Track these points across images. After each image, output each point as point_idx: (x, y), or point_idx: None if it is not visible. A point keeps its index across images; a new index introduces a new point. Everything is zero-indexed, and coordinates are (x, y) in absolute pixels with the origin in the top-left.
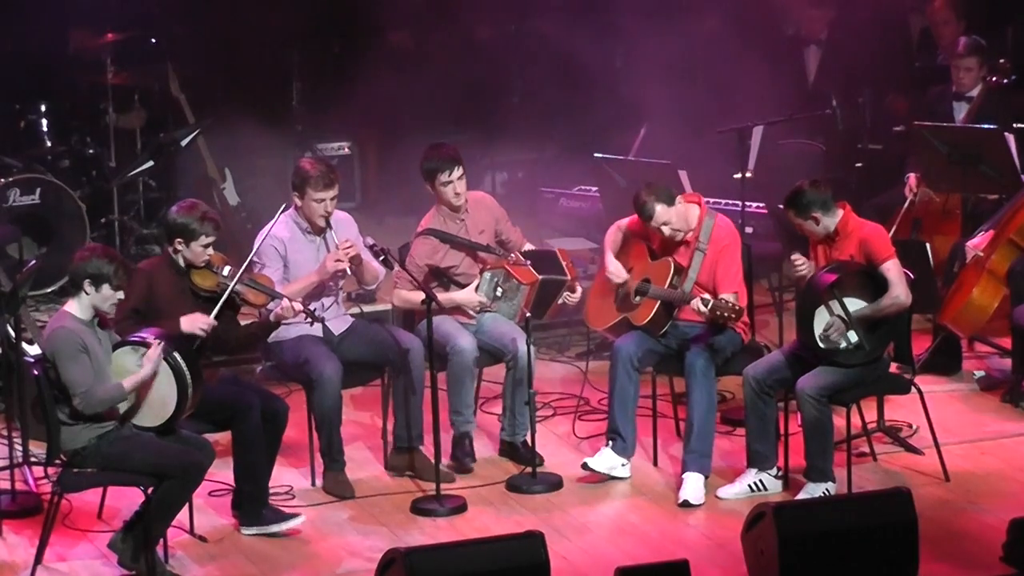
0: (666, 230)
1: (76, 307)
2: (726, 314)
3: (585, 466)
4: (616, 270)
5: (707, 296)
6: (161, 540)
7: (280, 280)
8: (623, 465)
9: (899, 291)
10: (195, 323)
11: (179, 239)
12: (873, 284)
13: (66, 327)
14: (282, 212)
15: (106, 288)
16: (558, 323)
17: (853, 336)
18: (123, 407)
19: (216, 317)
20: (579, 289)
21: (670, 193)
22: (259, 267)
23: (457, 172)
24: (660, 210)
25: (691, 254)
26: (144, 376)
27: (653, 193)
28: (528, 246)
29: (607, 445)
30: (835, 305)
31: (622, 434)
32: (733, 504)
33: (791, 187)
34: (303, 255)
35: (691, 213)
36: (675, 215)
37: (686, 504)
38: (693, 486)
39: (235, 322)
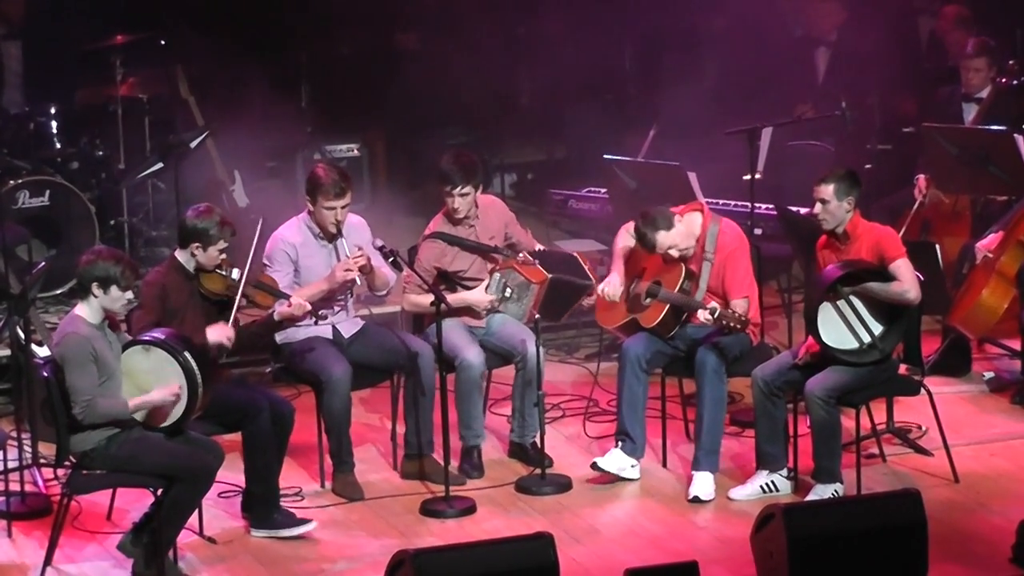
0: (675, 252)
1: (86, 311)
2: (732, 324)
3: (595, 466)
4: (612, 287)
5: (714, 305)
6: None
7: (290, 285)
8: (632, 466)
9: (908, 286)
10: (221, 334)
11: (196, 243)
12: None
13: (78, 333)
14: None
15: (115, 289)
16: (567, 325)
17: (865, 334)
18: (139, 416)
19: (224, 320)
20: (595, 293)
21: (667, 216)
22: (268, 270)
23: (462, 188)
24: (661, 237)
25: (700, 263)
26: (152, 401)
27: (649, 224)
28: (538, 247)
29: (616, 446)
30: (844, 304)
31: (631, 435)
32: (743, 505)
33: (800, 188)
34: (314, 260)
35: (694, 223)
36: (678, 236)
37: (696, 500)
38: (703, 482)
39: (238, 323)
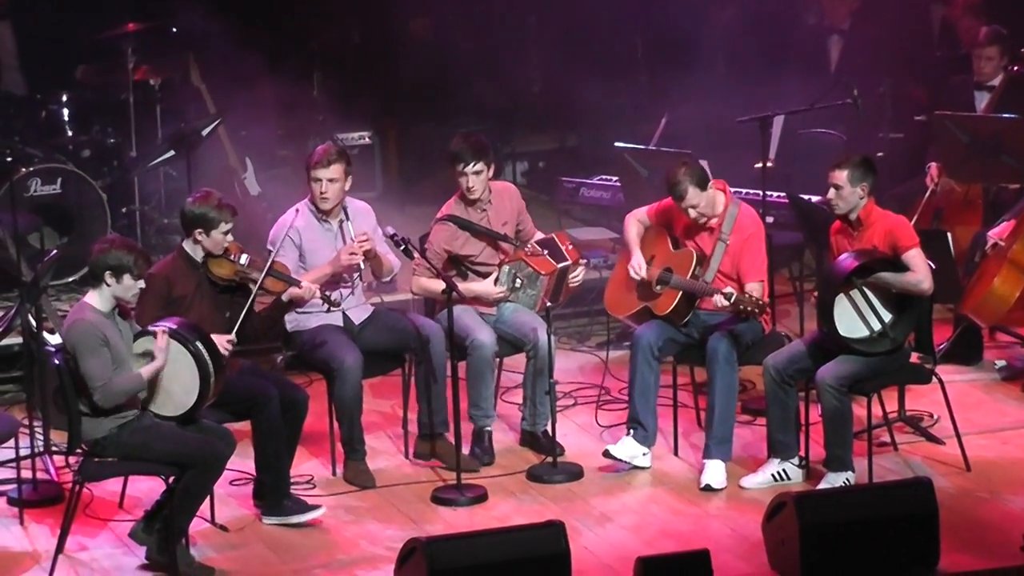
0: (692, 213)
1: (96, 299)
2: (749, 308)
3: (607, 453)
4: (639, 266)
5: (730, 290)
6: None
7: (296, 269)
8: (644, 454)
9: (922, 277)
10: (220, 341)
11: (199, 229)
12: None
13: (87, 320)
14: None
15: (127, 278)
16: (579, 313)
17: (876, 323)
18: (142, 395)
19: (235, 306)
20: (581, 269)
21: (704, 177)
22: (274, 255)
23: (474, 166)
24: (692, 193)
25: (714, 243)
26: (159, 366)
27: (689, 174)
28: (539, 235)
29: (628, 434)
30: (856, 293)
31: (643, 423)
32: (754, 494)
33: (812, 176)
34: (318, 244)
35: (718, 199)
36: (705, 200)
37: (708, 488)
38: (714, 470)
39: (250, 310)
